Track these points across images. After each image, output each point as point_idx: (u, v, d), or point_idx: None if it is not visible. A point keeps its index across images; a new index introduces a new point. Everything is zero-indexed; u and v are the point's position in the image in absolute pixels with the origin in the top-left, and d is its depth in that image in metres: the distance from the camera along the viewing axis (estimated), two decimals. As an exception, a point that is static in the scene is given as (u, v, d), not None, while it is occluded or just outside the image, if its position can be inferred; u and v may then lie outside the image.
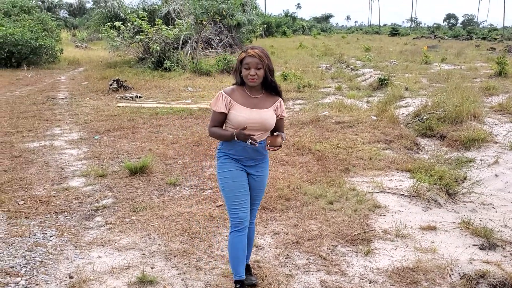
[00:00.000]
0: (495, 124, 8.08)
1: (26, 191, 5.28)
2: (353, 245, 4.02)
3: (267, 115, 3.05)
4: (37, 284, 3.38)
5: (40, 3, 63.88)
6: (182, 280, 3.46)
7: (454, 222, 4.54)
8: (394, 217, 4.62)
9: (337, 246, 4.02)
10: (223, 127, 3.16)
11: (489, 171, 6.03)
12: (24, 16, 23.61)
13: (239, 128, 3.00)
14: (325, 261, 3.75)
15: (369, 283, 3.44)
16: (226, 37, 26.36)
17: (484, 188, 5.47)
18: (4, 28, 18.64)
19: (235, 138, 2.97)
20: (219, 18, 19.47)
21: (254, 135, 2.92)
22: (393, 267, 3.67)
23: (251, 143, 2.89)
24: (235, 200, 3.09)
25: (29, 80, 15.80)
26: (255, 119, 3.01)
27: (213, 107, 3.09)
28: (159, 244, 4.02)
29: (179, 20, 19.27)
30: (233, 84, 3.16)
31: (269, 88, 3.10)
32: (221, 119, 3.09)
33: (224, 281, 3.43)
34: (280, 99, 3.18)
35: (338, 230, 4.29)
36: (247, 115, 3.00)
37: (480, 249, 3.98)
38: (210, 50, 24.24)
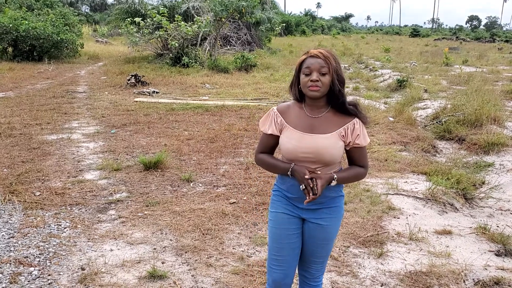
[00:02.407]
0: (516, 129, 7.93)
1: (42, 183, 5.34)
2: (366, 247, 3.98)
3: (324, 143, 2.25)
4: (49, 275, 3.41)
5: (63, -2, 64.64)
6: (192, 276, 3.46)
7: (470, 227, 4.46)
8: (408, 220, 4.55)
9: (349, 247, 3.98)
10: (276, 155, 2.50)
11: (508, 176, 5.91)
12: (47, 11, 23.92)
13: (288, 158, 2.33)
14: (337, 262, 3.71)
15: (381, 286, 3.40)
16: (245, 35, 26.34)
17: (502, 193, 5.37)
18: (27, 22, 18.91)
19: (290, 173, 2.30)
20: (238, 15, 19.43)
21: (315, 176, 2.20)
22: (406, 270, 3.62)
23: (304, 189, 2.21)
24: (274, 254, 2.47)
25: (50, 74, 16.01)
26: (306, 147, 2.25)
27: (261, 126, 2.46)
28: (170, 240, 4.03)
29: (198, 17, 19.33)
30: (293, 99, 2.43)
31: (337, 103, 2.27)
32: (271, 143, 2.44)
33: (234, 278, 3.42)
34: (355, 120, 2.29)
35: (350, 231, 4.25)
36: (297, 141, 2.27)
37: (496, 255, 3.90)
38: (228, 48, 24.26)
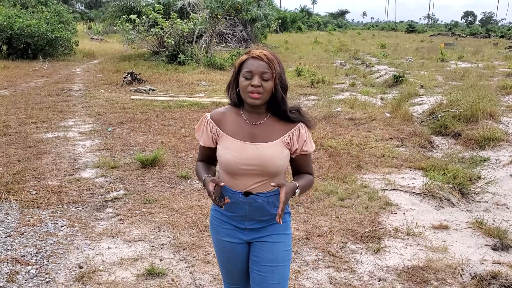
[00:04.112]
0: (512, 124, 7.95)
1: (38, 181, 5.32)
2: (363, 243, 3.99)
3: (270, 153, 2.00)
4: (47, 273, 3.41)
5: (57, -4, 64.34)
6: (190, 273, 3.46)
7: (467, 222, 4.48)
8: (405, 215, 4.57)
9: (347, 243, 3.99)
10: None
11: (504, 171, 5.94)
12: (41, 8, 23.78)
13: (228, 172, 2.06)
14: (335, 257, 3.72)
15: (378, 281, 3.41)
16: (241, 32, 26.33)
17: (498, 188, 5.39)
18: (21, 20, 18.79)
19: (202, 187, 2.11)
20: (234, 12, 19.41)
21: (222, 185, 1.92)
22: (403, 265, 3.63)
23: (216, 202, 1.91)
24: (225, 277, 2.33)
25: (45, 72, 15.93)
26: (249, 158, 2.00)
27: (196, 135, 2.20)
28: (168, 237, 4.03)
29: (194, 14, 19.28)
30: (228, 104, 2.17)
31: (278, 111, 2.05)
32: (208, 153, 2.18)
33: (232, 275, 3.42)
34: (300, 125, 2.09)
35: (348, 227, 4.26)
36: (238, 152, 2.01)
37: (493, 249, 3.92)
38: (224, 45, 24.23)
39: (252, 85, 1.93)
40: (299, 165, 2.16)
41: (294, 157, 2.11)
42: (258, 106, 2.01)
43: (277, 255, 2.11)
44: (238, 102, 2.09)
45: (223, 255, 2.22)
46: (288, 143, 2.06)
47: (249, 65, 1.96)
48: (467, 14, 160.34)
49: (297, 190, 1.98)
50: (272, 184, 1.94)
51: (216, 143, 2.11)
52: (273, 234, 2.12)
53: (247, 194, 2.03)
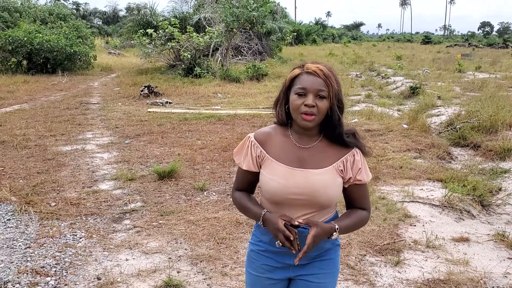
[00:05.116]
0: (532, 134, 7.82)
1: (57, 193, 5.38)
2: (382, 255, 3.94)
3: (320, 180, 1.78)
4: (66, 284, 3.43)
5: (75, 11, 65.75)
6: (207, 285, 3.44)
7: (488, 234, 4.39)
8: (425, 228, 4.50)
9: (365, 255, 3.94)
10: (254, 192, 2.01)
11: (525, 183, 5.83)
12: (60, 24, 24.28)
13: (272, 201, 1.83)
14: (353, 270, 3.67)
15: (398, 294, 3.35)
16: (256, 45, 26.46)
17: (520, 199, 5.29)
18: (41, 35, 19.19)
19: (261, 224, 1.82)
20: (249, 25, 19.55)
21: (297, 224, 1.72)
22: (423, 278, 3.57)
23: (280, 244, 1.73)
24: None
25: (63, 86, 16.19)
26: (297, 186, 1.77)
27: (235, 159, 1.94)
28: (185, 249, 4.02)
29: (210, 28, 19.48)
30: (274, 123, 1.92)
31: (333, 134, 1.81)
32: (249, 180, 1.94)
33: None
34: (355, 150, 1.84)
35: (367, 239, 4.21)
36: (285, 179, 1.78)
37: (516, 262, 3.83)
38: (240, 57, 24.37)
39: (306, 105, 1.70)
40: (351, 196, 1.90)
41: (346, 186, 1.86)
42: (311, 128, 1.78)
43: None
44: (286, 121, 1.85)
45: None
46: (341, 170, 1.82)
47: (303, 81, 1.72)
48: (484, 24, 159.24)
49: (334, 233, 1.74)
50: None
51: (260, 167, 1.87)
52: (320, 274, 1.90)
53: (294, 226, 1.74)
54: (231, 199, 1.95)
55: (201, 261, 3.79)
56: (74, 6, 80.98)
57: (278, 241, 1.72)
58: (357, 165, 1.83)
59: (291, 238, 1.68)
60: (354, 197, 1.90)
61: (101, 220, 4.66)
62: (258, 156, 1.84)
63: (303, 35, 53.94)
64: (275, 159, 1.81)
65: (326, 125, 1.80)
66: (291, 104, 1.75)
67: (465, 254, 3.99)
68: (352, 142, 1.82)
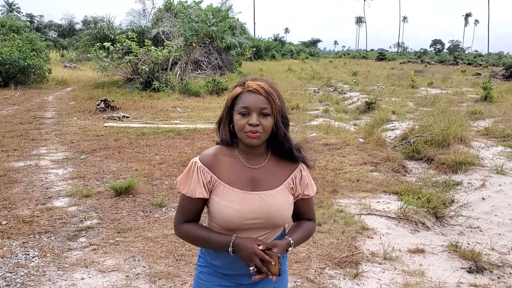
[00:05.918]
0: (482, 148, 8.15)
1: (9, 211, 5.17)
2: (341, 268, 3.98)
3: (276, 202, 1.76)
4: (16, 307, 3.28)
5: (29, 23, 64.03)
6: (166, 303, 3.38)
7: (442, 245, 4.53)
8: (382, 240, 4.59)
9: (324, 268, 3.97)
10: (201, 220, 1.92)
11: (476, 194, 6.05)
12: (13, 36, 23.55)
13: (227, 228, 1.76)
14: (313, 283, 3.69)
15: (357, 307, 3.39)
16: (216, 59, 26.52)
17: (471, 211, 5.48)
18: (-8, 48, 18.58)
19: (230, 251, 1.72)
20: (209, 40, 19.59)
21: (266, 249, 1.68)
22: (381, 290, 3.62)
23: (255, 269, 1.67)
24: None
25: (16, 100, 15.67)
26: (254, 211, 1.73)
27: (181, 188, 1.80)
28: (143, 266, 3.94)
29: (168, 42, 19.39)
30: (217, 144, 1.88)
31: (281, 150, 1.79)
32: (199, 207, 1.83)
33: (210, 304, 3.36)
34: (301, 166, 1.85)
35: (326, 252, 4.25)
36: (241, 205, 1.72)
37: (468, 272, 3.96)
38: (199, 72, 24.34)
39: (250, 124, 1.67)
40: (299, 210, 1.90)
41: (294, 201, 1.85)
42: (257, 145, 1.74)
43: None
44: (231, 141, 1.81)
45: None
46: (291, 188, 1.81)
47: (245, 100, 1.69)
48: (436, 42, 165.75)
49: (290, 248, 1.75)
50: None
51: (211, 193, 1.77)
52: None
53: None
54: (176, 234, 1.88)
55: (159, 279, 3.72)
56: (28, 19, 78.83)
57: (254, 267, 1.66)
58: (305, 181, 1.84)
59: (273, 263, 1.64)
60: (302, 210, 1.91)
61: (56, 238, 4.50)
62: (209, 182, 1.75)
63: (262, 51, 54.53)
64: (227, 184, 1.74)
65: (272, 142, 1.78)
66: (235, 124, 1.72)
67: (421, 265, 4.09)
68: (300, 156, 1.82)
